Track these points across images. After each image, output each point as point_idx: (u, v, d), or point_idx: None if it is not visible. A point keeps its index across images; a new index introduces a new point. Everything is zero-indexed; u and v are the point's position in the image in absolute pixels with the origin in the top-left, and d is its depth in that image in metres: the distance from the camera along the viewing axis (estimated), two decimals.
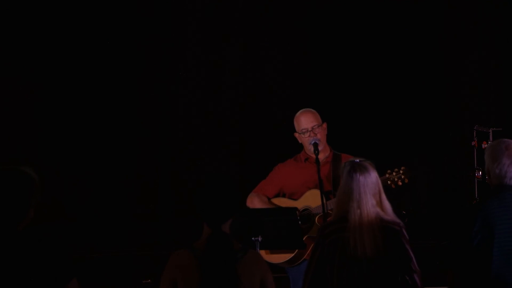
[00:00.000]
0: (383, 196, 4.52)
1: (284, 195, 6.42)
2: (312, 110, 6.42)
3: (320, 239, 4.50)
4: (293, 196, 6.35)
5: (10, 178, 3.95)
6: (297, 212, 6.07)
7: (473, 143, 8.68)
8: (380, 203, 4.50)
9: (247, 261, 4.17)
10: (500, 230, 4.54)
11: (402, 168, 6.16)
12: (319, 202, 6.05)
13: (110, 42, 9.20)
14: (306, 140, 6.34)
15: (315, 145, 6.24)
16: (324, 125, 6.38)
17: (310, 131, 6.31)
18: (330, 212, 5.86)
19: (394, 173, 6.14)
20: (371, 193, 4.46)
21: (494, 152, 4.69)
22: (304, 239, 6.10)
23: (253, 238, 5.76)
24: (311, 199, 6.21)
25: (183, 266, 4.15)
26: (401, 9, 9.36)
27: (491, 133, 8.67)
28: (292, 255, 6.15)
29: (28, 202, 3.94)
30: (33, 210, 3.95)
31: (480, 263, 4.55)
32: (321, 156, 6.33)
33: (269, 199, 6.42)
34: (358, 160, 4.55)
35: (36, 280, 3.84)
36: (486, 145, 8.32)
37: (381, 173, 4.58)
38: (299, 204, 6.27)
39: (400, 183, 6.12)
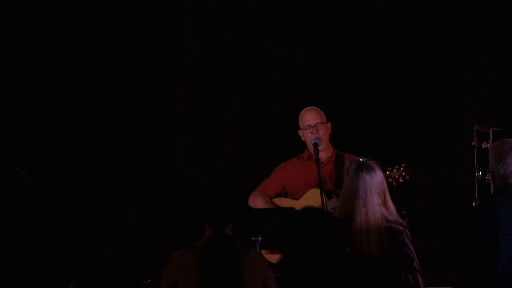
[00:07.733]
0: (388, 196, 4.53)
1: (286, 194, 6.41)
2: (317, 108, 6.42)
3: None
4: (295, 195, 6.34)
5: (6, 178, 3.92)
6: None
7: (473, 143, 8.65)
8: (384, 203, 4.51)
9: (249, 260, 4.17)
10: (505, 231, 4.53)
11: (403, 165, 6.12)
12: (320, 202, 6.03)
13: (110, 42, 9.17)
14: (308, 137, 6.33)
15: (315, 145, 6.23)
16: (329, 125, 6.37)
17: (312, 127, 6.31)
18: (332, 211, 5.85)
19: (395, 170, 6.11)
20: (376, 192, 4.47)
21: (498, 152, 4.68)
22: None
23: (253, 238, 5.76)
24: (312, 199, 6.19)
25: (183, 266, 4.14)
26: (401, 9, 9.35)
27: (491, 133, 8.64)
28: None
29: (29, 202, 3.92)
30: (36, 210, 3.93)
31: (485, 264, 4.54)
32: (323, 156, 6.32)
33: (271, 198, 6.41)
34: (363, 160, 4.55)
35: (37, 281, 3.83)
36: (486, 145, 8.29)
37: (381, 171, 4.57)
38: (301, 204, 6.24)
39: (401, 180, 6.09)
